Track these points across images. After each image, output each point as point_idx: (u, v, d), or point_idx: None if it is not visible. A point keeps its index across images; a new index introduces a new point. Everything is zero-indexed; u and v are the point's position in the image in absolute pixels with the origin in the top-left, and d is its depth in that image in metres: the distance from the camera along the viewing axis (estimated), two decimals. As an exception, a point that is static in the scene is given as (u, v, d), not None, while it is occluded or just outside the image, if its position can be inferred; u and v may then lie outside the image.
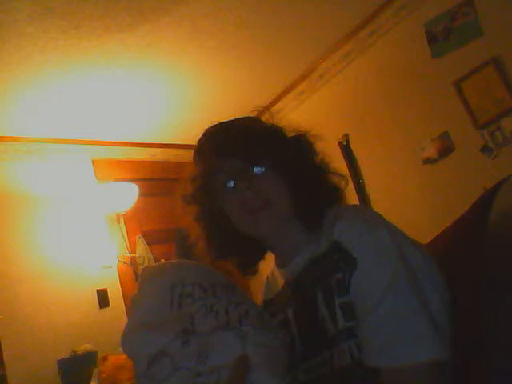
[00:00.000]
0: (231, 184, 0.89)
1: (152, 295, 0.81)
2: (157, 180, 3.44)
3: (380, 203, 2.91)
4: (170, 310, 0.78)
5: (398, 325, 0.73)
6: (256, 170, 0.88)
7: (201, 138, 0.95)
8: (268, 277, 1.04)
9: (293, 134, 0.96)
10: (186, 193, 0.95)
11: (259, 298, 1.05)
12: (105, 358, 2.25)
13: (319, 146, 0.96)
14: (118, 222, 3.01)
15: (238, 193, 0.88)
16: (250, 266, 1.00)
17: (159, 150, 3.61)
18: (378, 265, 0.76)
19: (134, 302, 0.83)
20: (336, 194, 0.93)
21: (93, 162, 3.24)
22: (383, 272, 0.75)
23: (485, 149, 2.49)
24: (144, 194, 3.07)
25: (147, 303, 0.81)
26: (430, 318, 0.72)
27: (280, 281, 0.96)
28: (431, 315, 0.73)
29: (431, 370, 0.71)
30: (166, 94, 3.01)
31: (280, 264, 0.97)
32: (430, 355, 0.70)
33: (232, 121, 0.96)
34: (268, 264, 1.02)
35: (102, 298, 2.84)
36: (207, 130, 0.96)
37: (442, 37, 2.62)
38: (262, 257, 1.00)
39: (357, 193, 2.96)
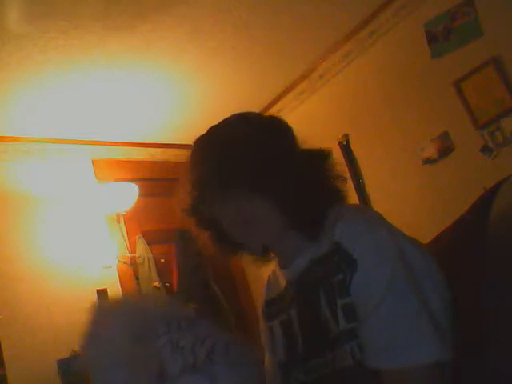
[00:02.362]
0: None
1: (116, 331, 0.77)
2: (157, 180, 3.44)
3: (380, 203, 2.91)
4: (138, 348, 0.75)
5: (399, 326, 0.73)
6: (234, 194, 0.87)
7: (189, 156, 0.94)
8: (270, 276, 1.03)
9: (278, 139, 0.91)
10: (185, 207, 0.95)
11: (260, 298, 1.05)
12: (105, 358, 2.25)
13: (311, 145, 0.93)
14: (118, 221, 3.01)
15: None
16: (260, 257, 1.00)
17: (159, 150, 3.60)
18: (377, 265, 0.76)
19: (93, 339, 0.80)
20: (334, 196, 0.91)
21: (93, 162, 3.24)
22: (383, 273, 0.75)
23: (485, 149, 2.49)
24: (144, 194, 3.07)
25: (112, 340, 0.77)
26: (430, 319, 0.72)
27: (282, 281, 0.96)
28: (431, 315, 0.73)
29: (431, 371, 0.71)
30: (166, 94, 3.01)
31: (281, 265, 0.97)
32: (430, 357, 0.70)
33: (214, 134, 0.93)
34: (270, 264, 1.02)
35: (102, 298, 2.84)
36: (193, 145, 0.94)
37: (441, 37, 2.62)
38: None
39: (357, 193, 2.96)
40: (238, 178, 0.85)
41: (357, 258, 0.77)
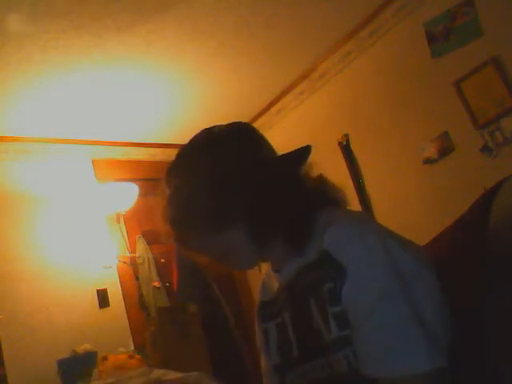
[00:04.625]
0: None
1: None
2: (157, 180, 3.42)
3: (380, 203, 2.91)
4: None
5: (391, 335, 0.72)
6: (199, 233, 0.88)
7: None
8: (264, 278, 1.03)
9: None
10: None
11: (256, 298, 1.05)
12: (105, 358, 2.25)
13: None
14: (118, 221, 3.01)
15: None
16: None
17: (159, 150, 3.60)
18: (367, 273, 0.75)
19: None
20: (316, 202, 0.89)
21: (93, 161, 3.24)
22: (373, 281, 0.75)
23: (485, 149, 2.49)
24: (144, 194, 3.07)
25: None
26: (422, 326, 0.71)
27: (275, 283, 0.96)
28: (423, 322, 0.72)
29: (428, 378, 0.70)
30: (166, 94, 3.01)
31: (274, 268, 0.96)
32: (423, 366, 0.70)
33: (174, 172, 0.95)
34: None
35: (102, 298, 2.84)
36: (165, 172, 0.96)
37: (441, 37, 2.62)
38: None
39: (357, 193, 2.96)
40: (196, 219, 0.86)
41: (346, 266, 0.76)
